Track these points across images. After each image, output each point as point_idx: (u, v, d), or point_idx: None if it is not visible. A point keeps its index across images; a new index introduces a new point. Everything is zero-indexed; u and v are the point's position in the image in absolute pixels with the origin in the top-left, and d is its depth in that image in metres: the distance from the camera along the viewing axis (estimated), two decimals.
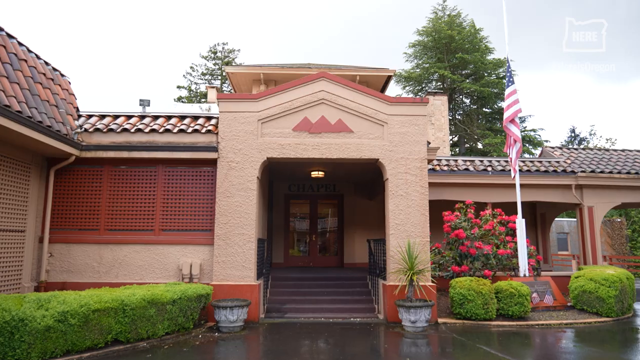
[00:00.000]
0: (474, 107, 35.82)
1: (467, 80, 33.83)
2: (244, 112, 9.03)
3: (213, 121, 9.52)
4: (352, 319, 8.83)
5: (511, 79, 10.62)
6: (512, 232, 11.03)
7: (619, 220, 28.02)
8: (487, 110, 35.68)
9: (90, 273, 8.83)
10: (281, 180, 14.51)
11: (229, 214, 8.71)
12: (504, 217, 11.24)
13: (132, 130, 9.00)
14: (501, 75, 34.10)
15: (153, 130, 9.02)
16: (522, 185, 12.40)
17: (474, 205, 11.32)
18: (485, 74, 34.07)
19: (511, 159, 10.62)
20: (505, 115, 10.59)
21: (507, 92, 10.67)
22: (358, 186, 14.79)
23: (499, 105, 35.07)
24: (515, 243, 10.67)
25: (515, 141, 10.43)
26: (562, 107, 64.22)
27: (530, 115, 37.35)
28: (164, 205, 9.08)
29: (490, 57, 34.13)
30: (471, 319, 8.51)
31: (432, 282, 8.83)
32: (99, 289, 7.16)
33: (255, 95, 9.08)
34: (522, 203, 11.87)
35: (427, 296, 8.31)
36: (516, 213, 10.91)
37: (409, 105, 9.19)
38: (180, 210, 9.08)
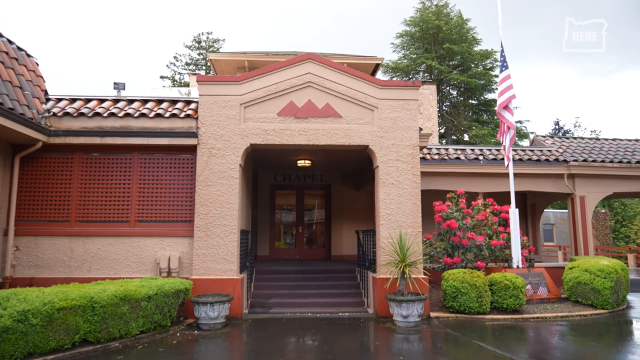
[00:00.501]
0: (460, 98, 35.63)
1: (454, 72, 33.55)
2: (226, 96, 8.48)
3: (193, 105, 8.94)
4: (340, 314, 8.41)
5: (505, 64, 10.24)
6: (504, 223, 10.71)
7: (603, 211, 28.18)
8: (473, 102, 35.55)
9: (61, 268, 8.23)
10: (266, 170, 13.99)
11: (210, 204, 8.19)
12: (496, 207, 10.90)
13: (105, 115, 8.38)
14: (488, 67, 33.94)
15: (127, 115, 8.41)
16: (514, 175, 12.12)
17: (465, 195, 10.96)
18: (473, 65, 33.86)
19: (504, 146, 10.27)
20: (499, 101, 10.22)
21: (500, 76, 10.30)
22: (346, 176, 14.35)
23: (486, 97, 34.98)
24: (508, 234, 10.35)
25: (509, 128, 10.07)
26: (547, 100, 64.67)
27: (516, 107, 37.32)
28: (140, 195, 8.51)
29: (477, 48, 33.92)
30: (465, 313, 8.16)
31: (425, 274, 8.44)
32: (67, 285, 6.61)
33: (237, 78, 8.53)
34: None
35: (419, 289, 7.92)
36: (508, 203, 10.62)
37: (400, 89, 8.73)
38: (158, 200, 8.52)
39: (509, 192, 12.57)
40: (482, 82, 33.24)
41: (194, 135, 8.34)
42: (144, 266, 8.30)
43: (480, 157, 12.20)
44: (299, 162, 11.74)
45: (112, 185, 8.51)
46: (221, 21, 71.03)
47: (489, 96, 34.69)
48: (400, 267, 7.59)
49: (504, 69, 10.22)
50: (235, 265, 8.09)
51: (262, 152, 10.59)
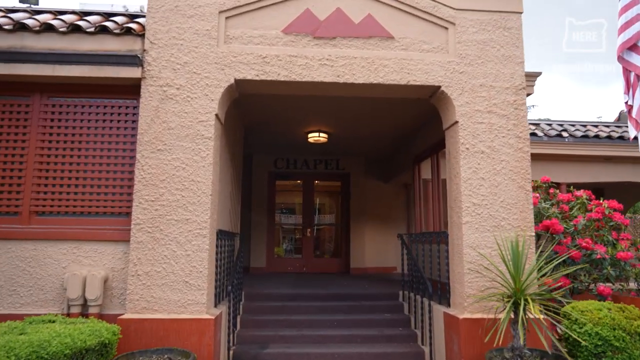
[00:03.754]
0: None
1: None
2: None
3: (141, 20, 5.36)
4: None
5: None
6: (616, 227, 7.16)
7: None
8: None
9: None
10: (263, 152, 10.38)
11: (162, 183, 4.58)
12: (601, 202, 7.37)
13: None
14: None
15: (23, 28, 4.82)
16: (606, 158, 8.76)
17: (553, 186, 7.53)
18: None
19: (630, 107, 6.69)
20: (620, 39, 6.63)
21: (621, 3, 6.75)
22: (371, 163, 10.76)
23: None
24: (629, 242, 6.84)
25: (639, 78, 6.53)
26: (547, 106, 61.87)
27: (533, 106, 34.65)
28: (41, 168, 4.89)
29: None
30: None
31: (542, 312, 4.80)
32: None
33: None
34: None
35: (544, 343, 4.25)
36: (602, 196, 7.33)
37: None
38: (72, 177, 4.91)
39: (599, 185, 9.31)
40: None
41: (137, 61, 4.73)
42: (42, 294, 4.65)
43: (565, 134, 8.71)
44: (310, 136, 8.20)
45: None
46: None
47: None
48: (520, 304, 3.95)
49: None
50: (204, 294, 4.46)
51: (258, 116, 7.04)
